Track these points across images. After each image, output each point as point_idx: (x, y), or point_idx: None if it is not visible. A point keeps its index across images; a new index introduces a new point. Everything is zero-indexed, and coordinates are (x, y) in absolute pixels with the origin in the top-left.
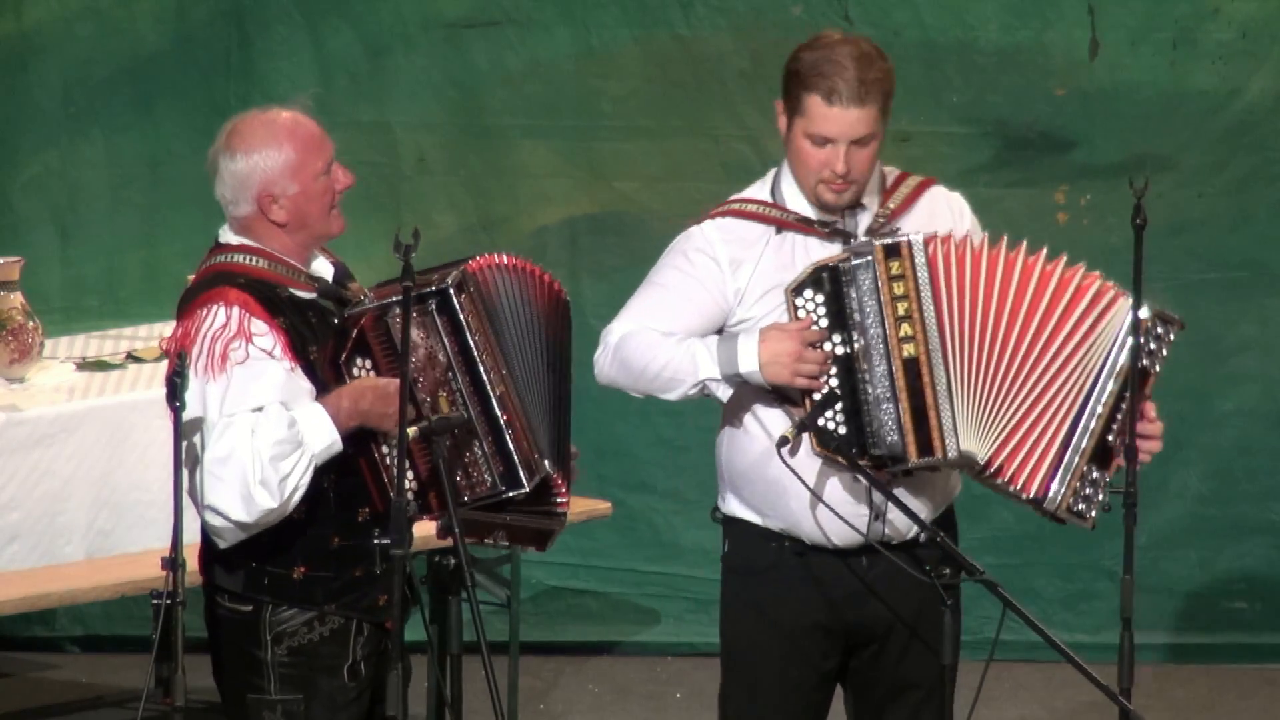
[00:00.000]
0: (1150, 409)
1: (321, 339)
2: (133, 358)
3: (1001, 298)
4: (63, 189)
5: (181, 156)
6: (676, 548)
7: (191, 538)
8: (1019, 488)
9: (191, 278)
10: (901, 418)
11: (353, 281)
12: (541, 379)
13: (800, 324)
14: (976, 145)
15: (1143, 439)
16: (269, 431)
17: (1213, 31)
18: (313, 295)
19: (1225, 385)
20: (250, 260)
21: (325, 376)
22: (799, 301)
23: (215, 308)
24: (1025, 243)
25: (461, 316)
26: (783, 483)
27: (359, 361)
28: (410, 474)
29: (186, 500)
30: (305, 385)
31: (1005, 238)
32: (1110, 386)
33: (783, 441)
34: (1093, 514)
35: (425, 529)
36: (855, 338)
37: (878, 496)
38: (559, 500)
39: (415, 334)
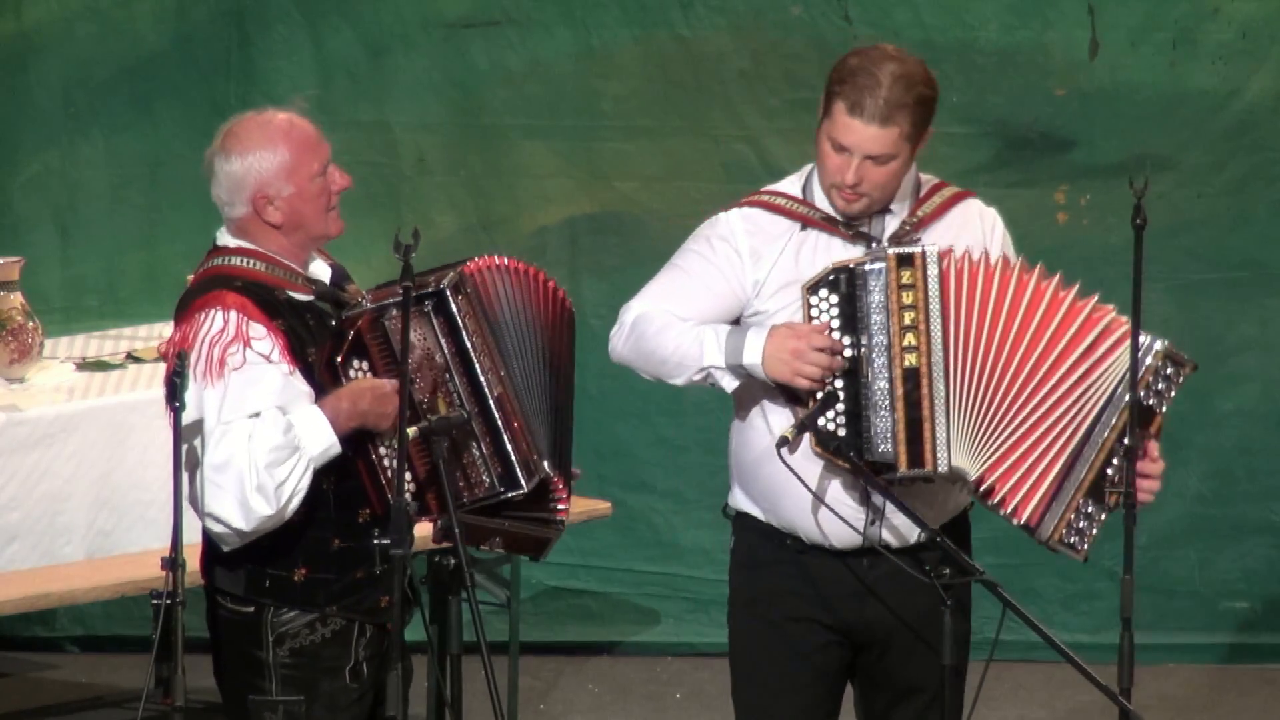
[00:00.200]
0: (1154, 449)
1: (319, 341)
2: (133, 358)
3: (1010, 319)
4: (63, 189)
5: (181, 156)
6: (676, 548)
7: (192, 538)
8: (1009, 512)
9: (191, 278)
10: (896, 427)
11: (350, 283)
12: (542, 382)
13: (811, 326)
14: (976, 145)
15: (1142, 478)
16: (266, 438)
17: (1213, 31)
18: (310, 297)
19: (1225, 385)
20: (248, 263)
21: (322, 378)
22: (813, 300)
23: (213, 311)
24: (1041, 266)
25: (458, 318)
26: (783, 481)
27: (355, 363)
28: (408, 475)
29: (186, 500)
30: (303, 388)
31: (1022, 259)
32: (1114, 421)
33: (783, 442)
34: (1084, 547)
35: (425, 529)
36: (862, 342)
37: (877, 499)
38: (559, 505)
39: (412, 335)
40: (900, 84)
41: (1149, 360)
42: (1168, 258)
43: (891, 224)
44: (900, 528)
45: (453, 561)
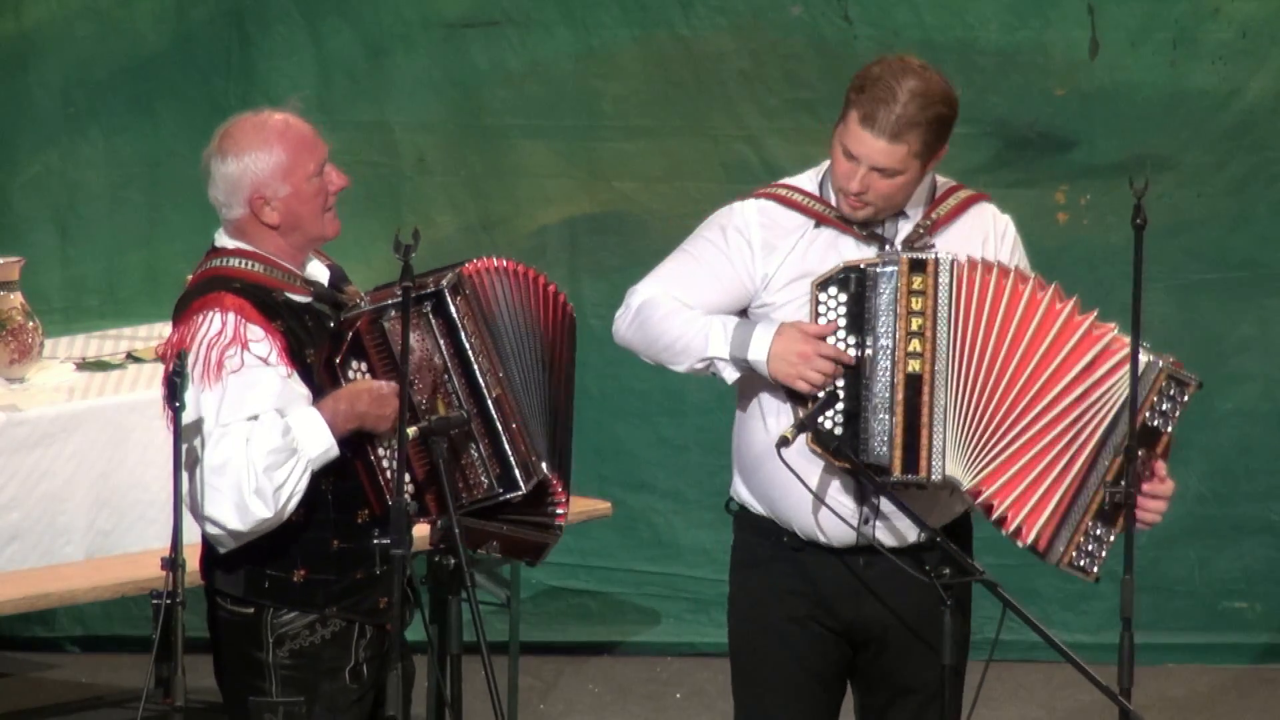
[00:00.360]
0: (1161, 469)
1: (318, 342)
2: (133, 358)
3: (1019, 334)
4: (63, 189)
5: (181, 156)
6: (676, 548)
7: (192, 538)
8: (1013, 531)
9: (190, 279)
10: (894, 431)
11: (348, 284)
12: (540, 385)
13: (820, 329)
14: (976, 145)
15: (1150, 499)
16: (263, 440)
17: (1213, 31)
18: (308, 299)
19: (1225, 385)
20: (246, 264)
21: (320, 380)
22: (822, 297)
23: (211, 314)
24: (1038, 277)
25: (457, 319)
26: (782, 479)
27: (354, 364)
28: (407, 476)
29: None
30: (301, 390)
31: (1036, 276)
32: (1120, 443)
33: (782, 442)
34: (1095, 569)
35: (423, 530)
36: (867, 343)
37: (873, 499)
38: (558, 508)
39: (411, 336)
40: (917, 101)
41: (1152, 378)
42: (1168, 258)
43: (905, 227)
44: (898, 528)
45: (453, 561)
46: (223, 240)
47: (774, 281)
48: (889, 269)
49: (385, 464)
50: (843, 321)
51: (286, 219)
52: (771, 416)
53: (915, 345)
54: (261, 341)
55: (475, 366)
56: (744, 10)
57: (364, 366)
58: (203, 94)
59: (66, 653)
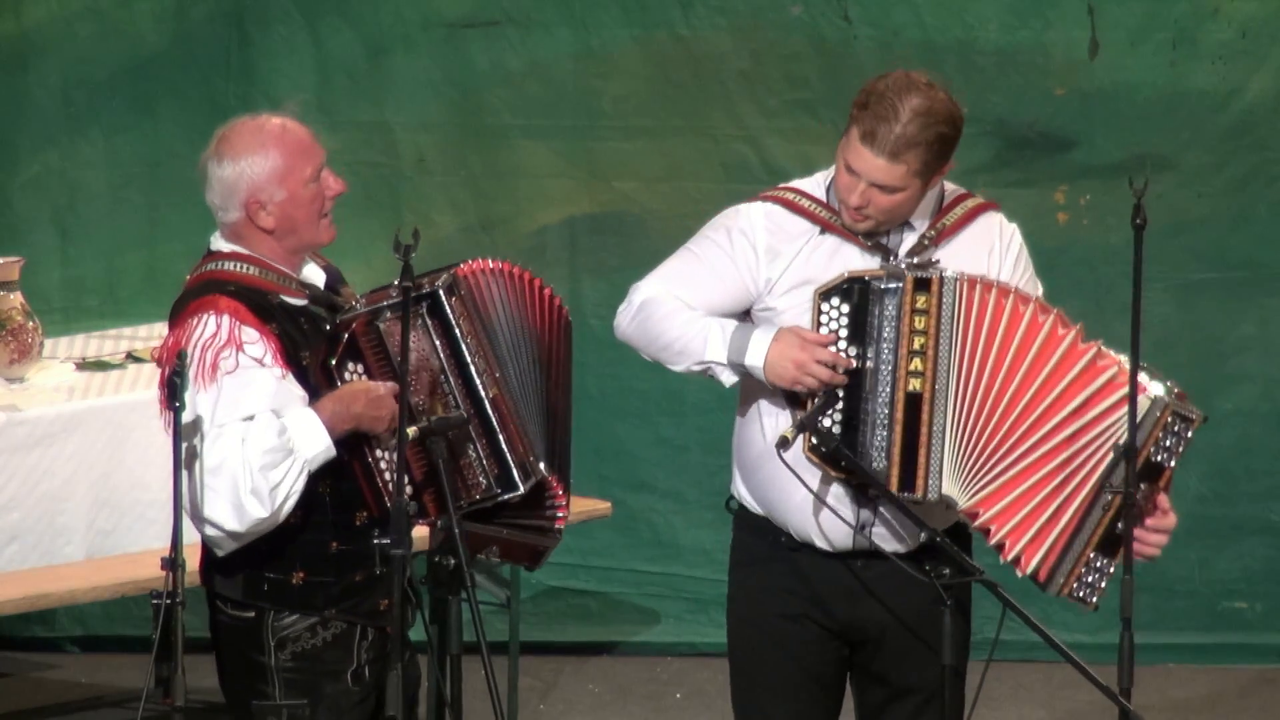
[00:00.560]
0: (1164, 501)
1: (313, 345)
2: (133, 358)
3: (1019, 358)
4: (63, 189)
5: (181, 156)
6: (676, 548)
7: (192, 538)
8: (1012, 559)
9: (186, 282)
10: (891, 448)
11: (345, 286)
12: (536, 386)
13: (819, 337)
14: (976, 145)
15: (1153, 532)
16: (259, 440)
17: (1213, 31)
18: (304, 302)
19: (1225, 385)
20: (241, 268)
21: (317, 382)
22: (824, 307)
23: (206, 316)
24: (1059, 312)
25: (452, 319)
26: (780, 481)
27: (350, 366)
28: (405, 478)
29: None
30: (297, 392)
31: (1038, 300)
32: (1124, 475)
33: (782, 442)
34: (1095, 599)
35: (422, 530)
36: (869, 355)
37: (866, 513)
38: (558, 510)
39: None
40: (919, 120)
41: (1157, 415)
42: (1168, 258)
43: (910, 238)
44: (896, 534)
45: (452, 561)
46: (218, 244)
47: (777, 286)
48: (893, 286)
49: (383, 465)
50: (844, 332)
51: (282, 223)
52: (770, 419)
53: (917, 364)
54: (256, 343)
55: (472, 367)
56: (744, 10)
57: (360, 368)
58: (203, 94)
59: (66, 653)
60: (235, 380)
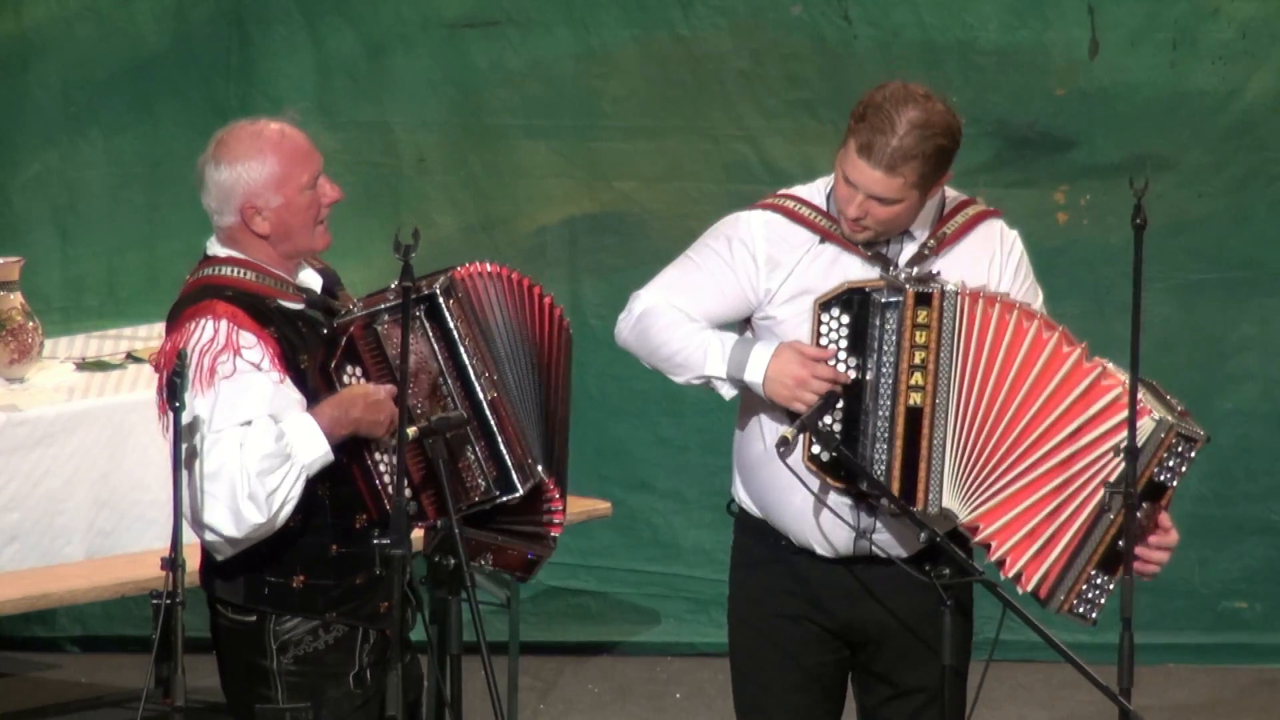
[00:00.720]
0: (1166, 519)
1: (311, 348)
2: (133, 358)
3: (1022, 373)
4: (63, 189)
5: (181, 156)
6: (676, 548)
7: (192, 538)
8: (1013, 576)
9: (185, 283)
10: (892, 461)
11: (342, 290)
12: (534, 389)
13: (819, 352)
14: (976, 145)
15: (1156, 550)
16: (257, 446)
17: (1213, 31)
18: (301, 306)
19: (1225, 385)
20: (238, 272)
21: (315, 385)
22: (824, 318)
23: (203, 321)
24: (1063, 329)
25: (450, 321)
26: (778, 487)
27: (349, 369)
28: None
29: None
30: (295, 396)
31: (1043, 315)
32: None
33: (783, 442)
34: (1094, 615)
35: (420, 532)
36: (869, 366)
37: (865, 521)
38: (554, 516)
39: None
40: (915, 133)
41: (1161, 437)
42: (1168, 258)
43: (910, 247)
44: (895, 542)
45: (452, 562)
46: (214, 248)
47: (777, 296)
48: (894, 300)
49: (382, 467)
50: (844, 343)
51: (277, 229)
52: (770, 424)
53: (917, 378)
54: (254, 348)
55: (470, 369)
56: (744, 10)
57: (359, 371)
58: (203, 94)
59: (66, 653)
60: (232, 385)
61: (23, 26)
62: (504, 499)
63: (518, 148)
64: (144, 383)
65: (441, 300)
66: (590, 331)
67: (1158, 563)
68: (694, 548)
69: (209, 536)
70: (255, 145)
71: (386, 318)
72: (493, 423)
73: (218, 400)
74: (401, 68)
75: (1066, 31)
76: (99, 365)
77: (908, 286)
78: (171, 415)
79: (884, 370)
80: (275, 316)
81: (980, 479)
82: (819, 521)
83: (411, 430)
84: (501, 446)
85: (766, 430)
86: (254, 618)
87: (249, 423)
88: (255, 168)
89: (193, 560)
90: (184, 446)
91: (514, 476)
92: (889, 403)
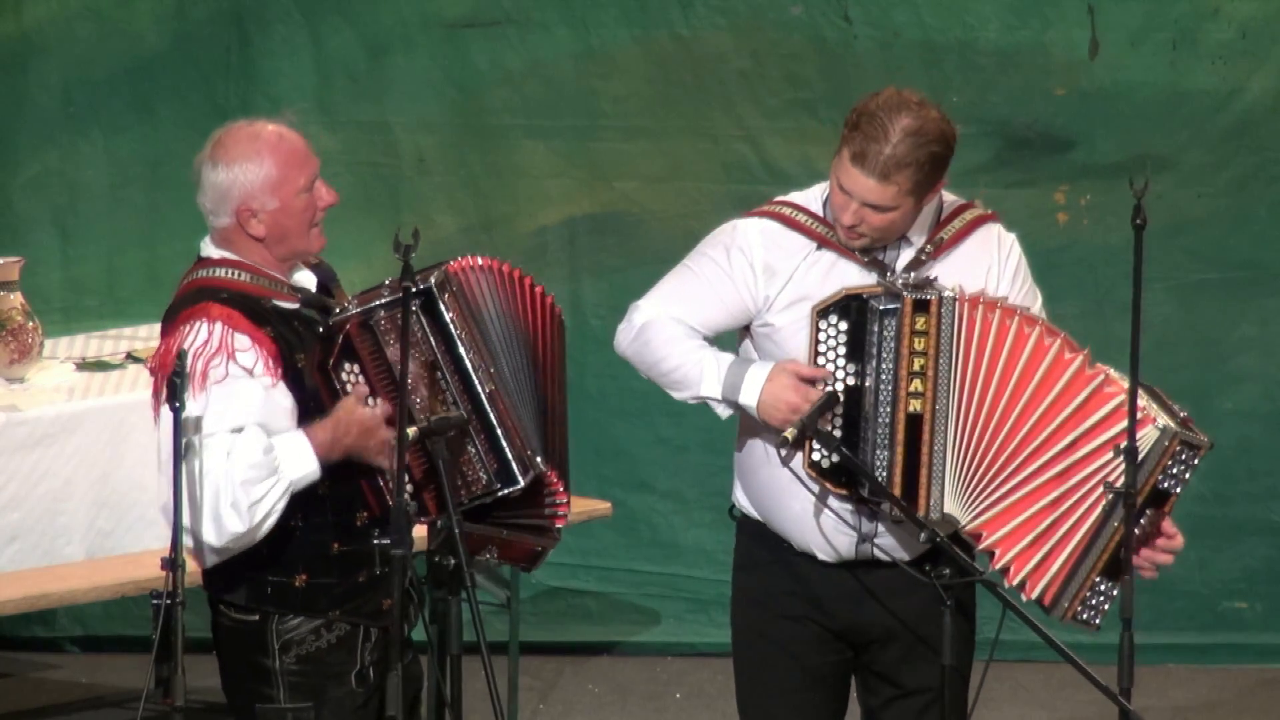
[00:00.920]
0: (1170, 525)
1: (308, 347)
2: (133, 358)
3: (1023, 380)
4: (63, 189)
5: (181, 156)
6: (676, 548)
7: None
8: (1018, 585)
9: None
10: (893, 468)
11: (338, 288)
12: (530, 381)
13: (814, 372)
14: (976, 145)
15: (1160, 554)
16: (244, 455)
17: (1213, 31)
18: (296, 305)
19: (1225, 385)
20: (232, 274)
21: (314, 384)
22: (822, 325)
23: (198, 323)
24: (1065, 336)
25: (446, 315)
26: (778, 493)
27: (347, 366)
28: (405, 477)
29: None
30: (285, 403)
31: (1044, 321)
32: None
33: (783, 443)
34: (1098, 621)
35: (421, 530)
36: (868, 373)
37: (867, 526)
38: (559, 508)
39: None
40: (909, 141)
41: (1165, 445)
42: (1168, 258)
43: (908, 252)
44: (896, 544)
45: (452, 561)
46: (209, 250)
47: (776, 304)
48: (892, 306)
49: (383, 465)
50: (842, 350)
51: (272, 232)
52: (770, 430)
53: (917, 385)
54: (248, 351)
55: (467, 363)
56: (744, 10)
57: (356, 369)
58: (203, 94)
59: (66, 653)
60: (223, 390)
61: (23, 26)
62: (505, 492)
63: (518, 148)
64: (144, 383)
65: (437, 295)
66: (590, 331)
67: (1161, 563)
68: (694, 548)
69: (188, 541)
70: (253, 147)
71: (383, 313)
72: (492, 416)
73: (208, 404)
74: (401, 68)
75: (1066, 31)
76: (99, 365)
77: (905, 293)
78: (173, 415)
79: (883, 377)
80: (271, 316)
81: (982, 485)
82: (820, 526)
83: (412, 431)
84: (501, 439)
85: (767, 435)
86: (257, 617)
87: (240, 429)
88: (252, 170)
89: (193, 560)
90: (174, 449)
91: (514, 469)
92: (889, 409)
